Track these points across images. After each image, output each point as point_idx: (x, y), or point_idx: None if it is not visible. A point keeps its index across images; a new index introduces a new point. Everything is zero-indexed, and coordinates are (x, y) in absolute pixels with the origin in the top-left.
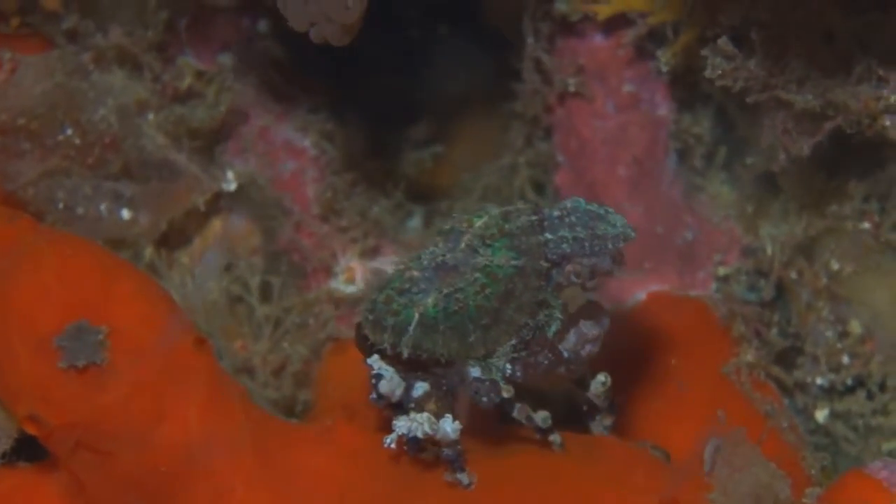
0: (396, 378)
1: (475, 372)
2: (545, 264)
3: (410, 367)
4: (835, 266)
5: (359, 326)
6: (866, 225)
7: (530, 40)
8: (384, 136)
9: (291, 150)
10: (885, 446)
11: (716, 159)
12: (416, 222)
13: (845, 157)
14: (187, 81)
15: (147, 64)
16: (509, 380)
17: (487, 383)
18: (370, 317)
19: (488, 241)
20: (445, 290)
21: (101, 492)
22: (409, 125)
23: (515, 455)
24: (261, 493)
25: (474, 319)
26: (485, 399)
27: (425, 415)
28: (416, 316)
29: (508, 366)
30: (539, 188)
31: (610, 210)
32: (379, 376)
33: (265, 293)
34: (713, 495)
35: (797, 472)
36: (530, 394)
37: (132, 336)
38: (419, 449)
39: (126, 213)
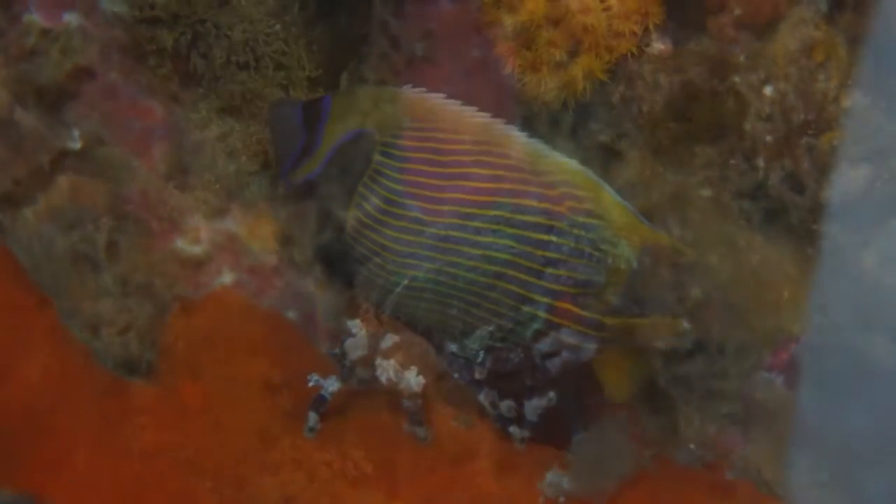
0: (363, 342)
1: (452, 347)
2: (542, 259)
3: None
4: (676, 232)
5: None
6: (707, 192)
7: (378, 3)
8: (234, 97)
9: (138, 110)
10: None
11: (560, 126)
12: (262, 183)
13: (690, 124)
14: (33, 40)
15: None
16: (478, 366)
17: (462, 361)
18: (364, 272)
19: (494, 228)
20: (439, 263)
21: None
22: None
23: (371, 418)
24: (103, 454)
25: (460, 293)
26: (456, 375)
27: (392, 361)
28: (406, 280)
29: (481, 353)
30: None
31: (622, 241)
32: (350, 336)
33: (111, 252)
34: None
35: None
36: None
37: None
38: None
39: None
